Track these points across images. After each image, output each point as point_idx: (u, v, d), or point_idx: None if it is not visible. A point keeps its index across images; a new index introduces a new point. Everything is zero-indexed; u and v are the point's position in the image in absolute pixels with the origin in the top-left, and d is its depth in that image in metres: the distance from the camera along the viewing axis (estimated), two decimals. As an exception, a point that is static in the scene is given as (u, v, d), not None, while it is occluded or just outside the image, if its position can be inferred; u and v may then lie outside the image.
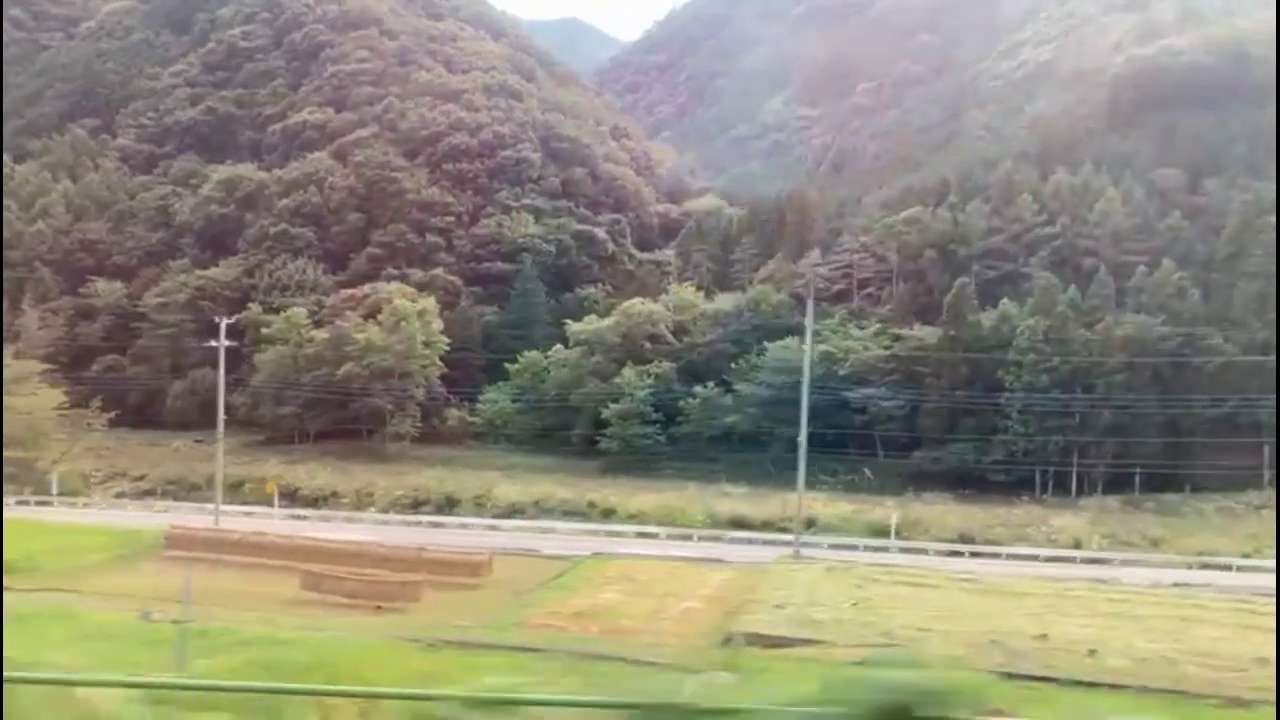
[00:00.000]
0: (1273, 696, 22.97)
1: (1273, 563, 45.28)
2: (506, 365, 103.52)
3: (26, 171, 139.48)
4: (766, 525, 66.65)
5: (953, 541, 61.59)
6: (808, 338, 57.20)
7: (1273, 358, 76.06)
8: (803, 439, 54.79)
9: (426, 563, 40.49)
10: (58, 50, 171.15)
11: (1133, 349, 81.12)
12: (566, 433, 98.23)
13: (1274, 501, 67.28)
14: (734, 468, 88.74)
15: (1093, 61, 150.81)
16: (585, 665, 28.41)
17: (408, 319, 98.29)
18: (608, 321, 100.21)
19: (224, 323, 68.32)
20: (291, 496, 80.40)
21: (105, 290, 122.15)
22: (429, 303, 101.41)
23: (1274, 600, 35.69)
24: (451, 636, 31.12)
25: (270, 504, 74.50)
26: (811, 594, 36.37)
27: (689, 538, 58.93)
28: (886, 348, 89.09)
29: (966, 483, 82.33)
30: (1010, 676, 26.59)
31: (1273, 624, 28.82)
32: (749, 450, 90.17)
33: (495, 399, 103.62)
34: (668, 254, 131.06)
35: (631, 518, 70.08)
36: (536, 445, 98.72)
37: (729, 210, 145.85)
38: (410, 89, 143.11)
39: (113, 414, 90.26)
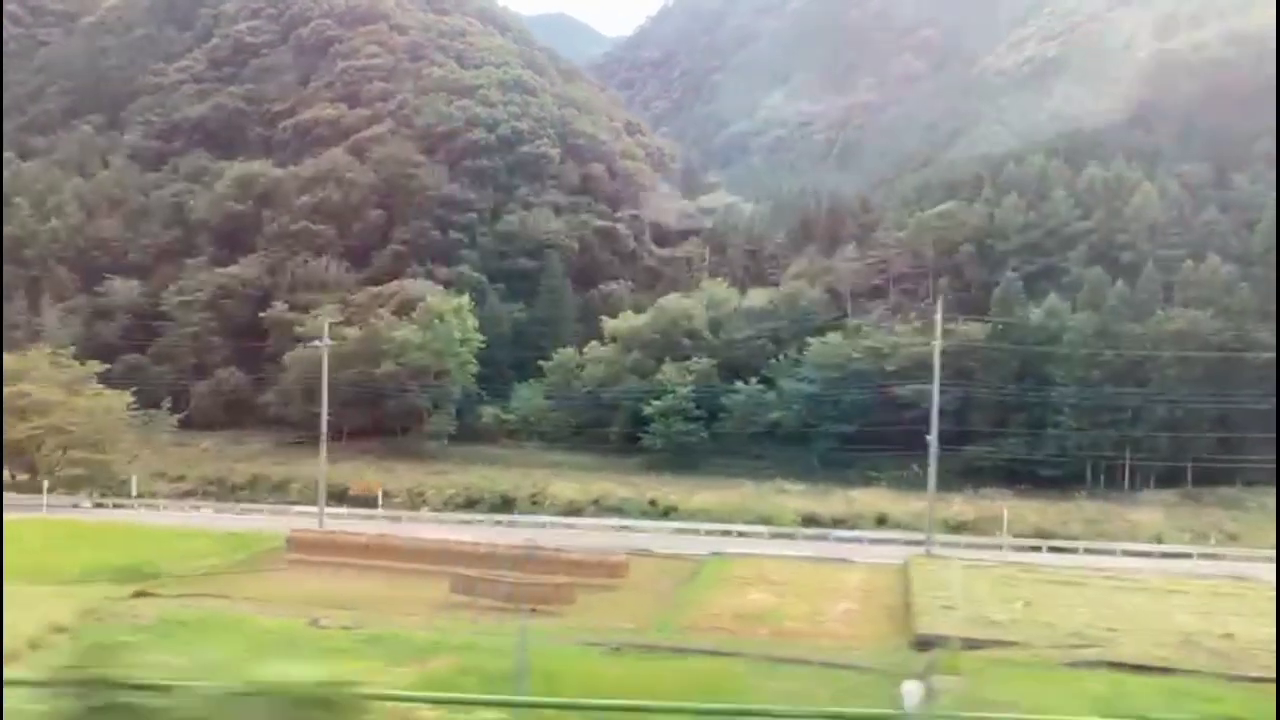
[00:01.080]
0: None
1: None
2: (541, 362, 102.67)
3: (35, 169, 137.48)
4: (838, 523, 66.11)
5: (1030, 536, 61.43)
6: (937, 332, 56.04)
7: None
8: (933, 437, 54.25)
9: (564, 564, 39.64)
10: (56, 46, 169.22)
11: (1185, 344, 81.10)
12: (604, 430, 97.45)
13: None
14: (779, 465, 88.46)
15: (1106, 56, 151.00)
16: (780, 670, 27.92)
17: (443, 316, 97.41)
18: (644, 318, 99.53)
19: (328, 323, 67.21)
20: (340, 496, 79.25)
21: (122, 289, 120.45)
22: (463, 300, 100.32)
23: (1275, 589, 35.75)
24: (631, 641, 30.49)
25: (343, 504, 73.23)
26: (969, 594, 35.84)
27: (791, 536, 58.06)
28: (931, 343, 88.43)
29: (1018, 478, 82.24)
30: (1234, 679, 26.20)
31: None
32: (792, 447, 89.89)
33: (527, 396, 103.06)
34: (689, 250, 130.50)
35: (695, 515, 69.38)
36: (572, 443, 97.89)
37: (744, 206, 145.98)
38: (424, 84, 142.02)
39: (181, 415, 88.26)
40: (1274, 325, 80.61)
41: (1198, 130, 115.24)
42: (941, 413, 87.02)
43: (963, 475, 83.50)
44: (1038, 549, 56.52)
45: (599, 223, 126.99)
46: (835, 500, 71.55)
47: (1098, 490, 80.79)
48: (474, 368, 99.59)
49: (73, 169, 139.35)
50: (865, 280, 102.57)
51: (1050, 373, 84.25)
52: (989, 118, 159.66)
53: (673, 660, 28.30)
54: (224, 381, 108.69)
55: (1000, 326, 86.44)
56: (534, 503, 76.34)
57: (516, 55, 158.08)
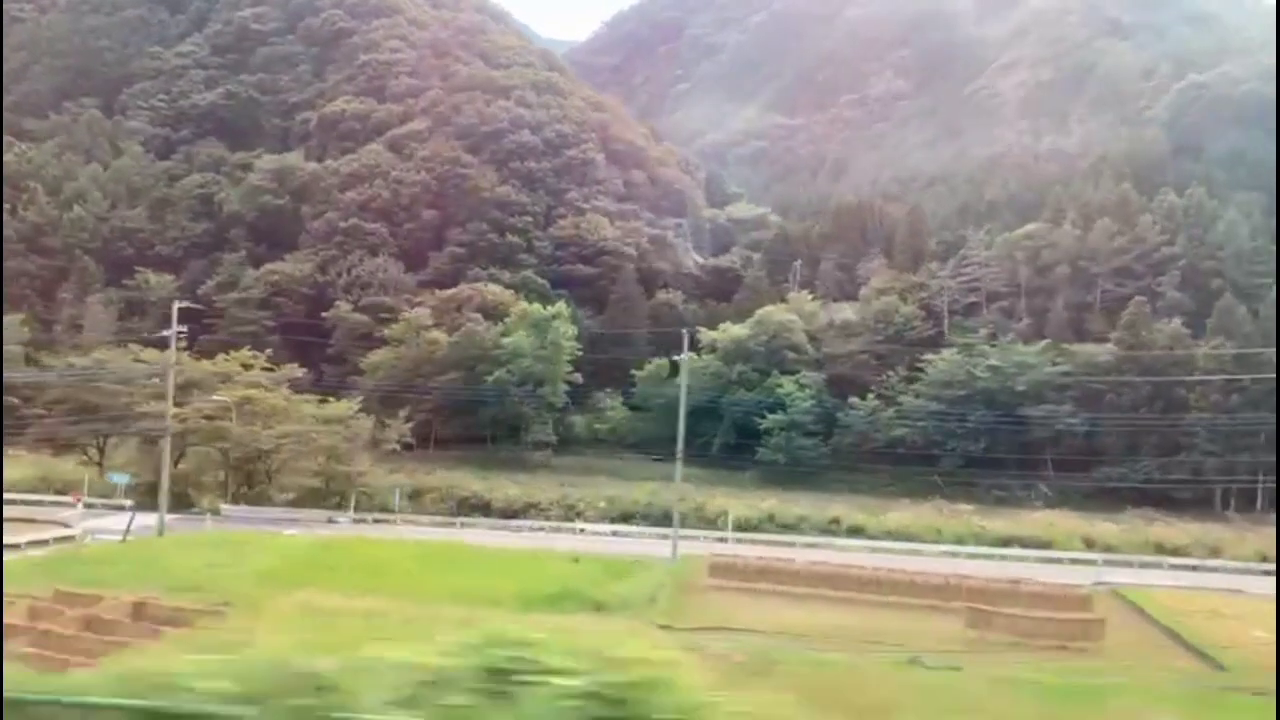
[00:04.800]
0: None
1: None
2: (634, 372, 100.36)
3: (45, 153, 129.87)
4: (1050, 546, 65.34)
5: (1252, 560, 61.65)
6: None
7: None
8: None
9: (1026, 596, 38.05)
10: (33, 24, 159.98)
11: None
12: (702, 441, 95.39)
13: None
14: (898, 481, 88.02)
15: (1121, 84, 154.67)
16: None
17: (542, 325, 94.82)
18: (745, 329, 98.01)
19: (686, 335, 63.69)
20: (485, 509, 75.85)
21: (156, 282, 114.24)
22: (561, 306, 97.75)
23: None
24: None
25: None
26: None
27: (1128, 564, 56.76)
28: (1055, 363, 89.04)
29: (1148, 499, 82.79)
30: None
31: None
32: (912, 464, 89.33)
33: (612, 405, 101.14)
34: (732, 259, 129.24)
35: (890, 535, 68.16)
36: (665, 453, 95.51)
37: (772, 218, 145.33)
38: (455, 83, 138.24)
39: (411, 423, 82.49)
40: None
41: (1244, 160, 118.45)
42: (1069, 434, 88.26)
43: (1091, 497, 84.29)
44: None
45: (651, 230, 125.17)
46: (1023, 522, 70.98)
47: (1233, 513, 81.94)
48: (571, 376, 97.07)
49: (80, 154, 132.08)
50: (959, 298, 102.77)
51: (1184, 396, 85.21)
52: (1004, 139, 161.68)
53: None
54: (291, 385, 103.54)
55: (1129, 350, 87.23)
56: (699, 518, 74.07)
57: (538, 55, 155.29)
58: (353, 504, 63.44)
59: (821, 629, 33.43)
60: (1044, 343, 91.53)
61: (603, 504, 76.87)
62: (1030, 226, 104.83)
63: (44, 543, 43.92)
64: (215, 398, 60.64)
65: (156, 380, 56.73)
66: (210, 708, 3.93)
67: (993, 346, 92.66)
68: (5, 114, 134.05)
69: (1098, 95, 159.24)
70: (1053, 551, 61.09)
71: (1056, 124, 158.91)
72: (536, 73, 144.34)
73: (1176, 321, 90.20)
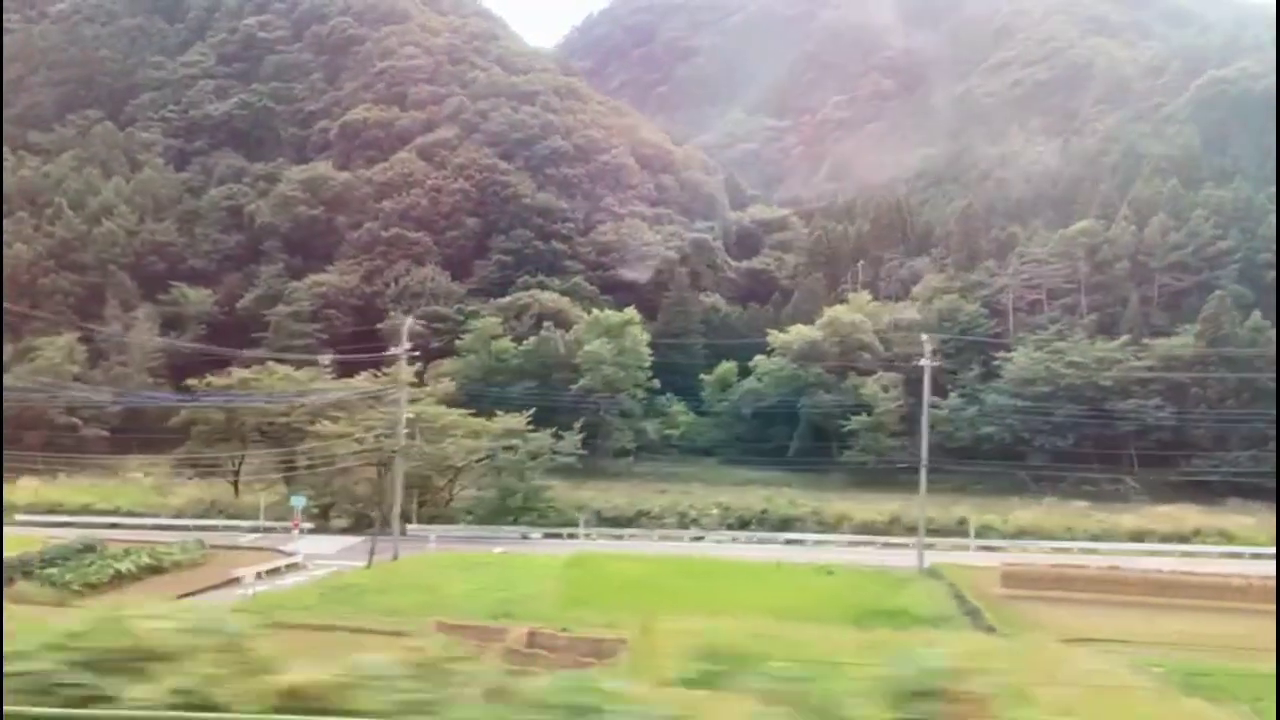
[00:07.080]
0: None
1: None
2: (703, 376, 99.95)
3: (60, 168, 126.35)
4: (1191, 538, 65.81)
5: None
6: None
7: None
8: None
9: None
10: (28, 34, 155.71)
11: None
12: (775, 444, 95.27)
13: None
14: (986, 479, 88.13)
15: (1129, 82, 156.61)
16: None
17: (615, 331, 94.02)
18: (817, 331, 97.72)
19: (929, 345, 62.20)
20: (595, 517, 74.57)
21: (195, 297, 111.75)
22: (632, 312, 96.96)
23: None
24: None
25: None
26: None
27: None
28: (1139, 358, 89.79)
29: (1240, 491, 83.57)
30: None
31: None
32: (998, 461, 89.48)
33: (679, 410, 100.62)
34: (764, 261, 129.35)
35: (1022, 534, 68.27)
36: (740, 456, 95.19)
37: (794, 219, 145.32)
38: (478, 89, 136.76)
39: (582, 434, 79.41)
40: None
41: (1270, 154, 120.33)
42: (1157, 428, 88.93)
43: (1180, 490, 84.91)
44: None
45: (689, 234, 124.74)
46: (1149, 516, 71.42)
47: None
48: (650, 382, 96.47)
49: (95, 166, 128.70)
50: (1023, 296, 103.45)
51: (1270, 387, 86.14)
52: (1014, 137, 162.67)
53: None
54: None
55: (1211, 343, 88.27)
56: (819, 523, 73.59)
57: (552, 60, 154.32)
58: (582, 521, 62.16)
59: (1175, 636, 33.03)
60: (1124, 337, 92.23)
61: (715, 511, 76.02)
62: (1083, 223, 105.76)
63: (277, 571, 42.46)
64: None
65: (313, 399, 55.09)
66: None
67: (1064, 343, 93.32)
68: (7, 127, 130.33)
69: (1103, 93, 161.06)
70: (1235, 546, 61.37)
71: (1064, 122, 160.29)
72: (555, 78, 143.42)
73: (1257, 314, 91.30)
